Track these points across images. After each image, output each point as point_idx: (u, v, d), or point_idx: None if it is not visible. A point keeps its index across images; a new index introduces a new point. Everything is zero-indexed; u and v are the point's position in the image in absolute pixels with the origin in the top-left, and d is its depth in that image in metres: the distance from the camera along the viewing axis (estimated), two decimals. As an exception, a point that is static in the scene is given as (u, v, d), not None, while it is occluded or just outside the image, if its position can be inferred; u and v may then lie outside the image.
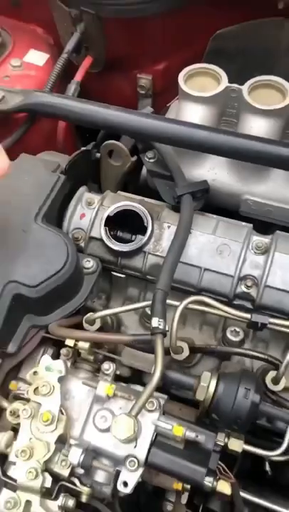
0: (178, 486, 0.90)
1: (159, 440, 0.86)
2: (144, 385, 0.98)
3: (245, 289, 0.99)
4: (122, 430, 0.77)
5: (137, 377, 1.10)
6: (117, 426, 0.77)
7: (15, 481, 0.82)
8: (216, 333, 1.09)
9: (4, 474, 0.84)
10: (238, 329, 1.04)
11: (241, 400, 0.82)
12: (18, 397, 0.94)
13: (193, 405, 1.04)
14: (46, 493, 0.82)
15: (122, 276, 1.11)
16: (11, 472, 0.81)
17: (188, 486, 0.91)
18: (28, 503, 0.80)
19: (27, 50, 1.27)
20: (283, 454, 0.92)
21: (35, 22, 1.33)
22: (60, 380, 0.87)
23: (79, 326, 1.00)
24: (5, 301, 0.90)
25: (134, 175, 1.26)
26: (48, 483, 0.80)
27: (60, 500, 0.80)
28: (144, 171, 1.23)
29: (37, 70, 1.25)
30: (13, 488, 0.82)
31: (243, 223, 1.06)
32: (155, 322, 0.86)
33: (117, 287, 1.15)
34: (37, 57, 1.27)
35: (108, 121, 1.02)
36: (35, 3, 1.25)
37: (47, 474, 0.80)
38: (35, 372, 0.88)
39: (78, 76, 1.19)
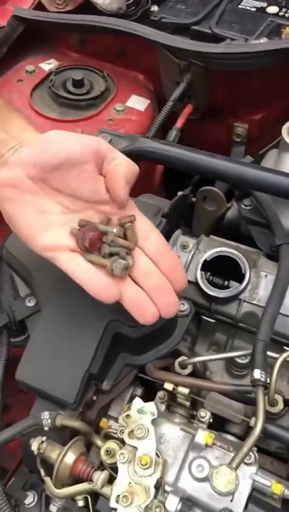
0: None
1: (256, 496, 0.84)
2: (225, 431, 0.97)
3: None
4: (223, 483, 0.76)
5: (217, 424, 1.08)
6: (218, 477, 0.76)
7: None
8: (306, 386, 1.07)
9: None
10: None
11: None
12: (109, 436, 0.94)
13: (279, 459, 1.02)
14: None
15: (212, 321, 1.11)
16: (112, 519, 0.81)
17: None
18: None
19: (129, 96, 1.33)
20: None
21: (137, 69, 1.39)
22: (153, 423, 0.87)
23: (168, 369, 1.00)
24: (106, 339, 0.92)
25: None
26: (155, 530, 0.79)
27: None
28: (229, 214, 1.25)
29: (138, 115, 1.31)
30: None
31: None
32: (257, 374, 0.85)
33: (205, 331, 1.15)
34: (138, 103, 1.32)
35: (213, 168, 1.05)
36: (140, 52, 1.31)
37: (151, 520, 0.80)
38: (127, 416, 0.88)
39: (179, 123, 1.23)
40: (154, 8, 1.43)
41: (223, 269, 1.09)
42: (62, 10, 1.37)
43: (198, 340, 1.17)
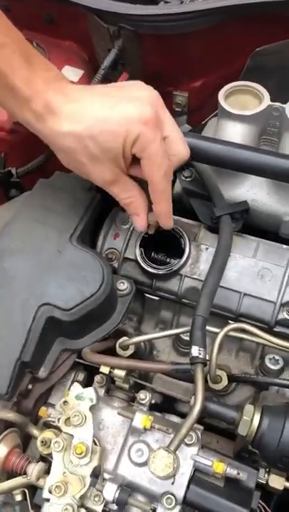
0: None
1: (198, 476, 0.81)
2: (176, 412, 0.94)
3: (287, 316, 0.95)
4: (161, 466, 0.72)
5: (168, 404, 1.05)
6: (156, 461, 0.73)
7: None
8: (254, 360, 1.04)
9: (38, 508, 0.80)
10: (277, 357, 0.99)
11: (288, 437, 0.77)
12: (48, 425, 0.90)
13: (228, 436, 0.99)
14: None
15: (156, 298, 1.07)
16: (46, 510, 0.77)
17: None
18: None
19: (62, 66, 1.26)
20: None
21: (70, 38, 1.31)
22: (92, 408, 0.83)
23: (111, 350, 0.96)
24: (38, 324, 0.87)
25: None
26: (90, 519, 0.76)
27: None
28: (177, 188, 1.20)
29: (71, 86, 1.23)
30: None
31: (285, 246, 1.02)
32: (195, 351, 0.81)
33: (150, 309, 1.11)
34: (72, 73, 1.25)
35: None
36: (70, 19, 1.23)
37: (83, 510, 0.76)
38: (65, 402, 0.84)
39: (114, 92, 1.16)
40: (86, -29, 1.34)
41: (165, 245, 1.05)
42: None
43: (144, 319, 1.13)
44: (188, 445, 0.81)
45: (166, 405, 1.04)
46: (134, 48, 1.15)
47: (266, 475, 0.85)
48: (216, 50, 1.19)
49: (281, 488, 0.85)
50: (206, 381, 0.90)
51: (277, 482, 0.85)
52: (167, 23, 1.06)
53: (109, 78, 1.20)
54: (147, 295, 1.07)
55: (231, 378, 0.92)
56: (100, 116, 0.78)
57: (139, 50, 1.15)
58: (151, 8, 1.07)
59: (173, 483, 0.79)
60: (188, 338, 0.98)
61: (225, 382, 0.91)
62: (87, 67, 1.29)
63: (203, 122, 1.25)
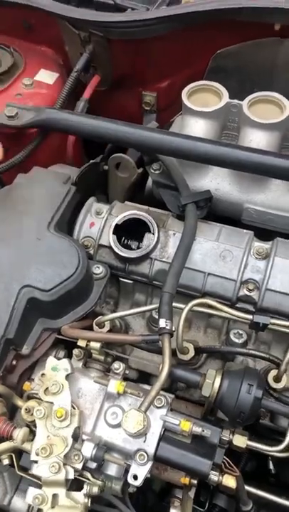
0: (185, 480, 0.94)
1: (167, 435, 0.90)
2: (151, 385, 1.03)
3: (247, 293, 1.04)
4: (133, 424, 0.82)
5: (144, 380, 1.14)
6: (128, 420, 0.82)
7: (39, 478, 0.86)
8: (220, 335, 1.14)
9: (24, 471, 0.89)
10: (241, 331, 1.09)
11: (245, 395, 0.86)
12: (32, 397, 0.98)
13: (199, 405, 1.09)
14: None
15: (130, 282, 1.16)
16: (35, 470, 0.86)
17: (196, 482, 0.95)
18: (55, 496, 0.84)
19: (38, 70, 1.35)
20: (286, 449, 0.96)
21: (45, 43, 1.40)
22: (68, 378, 0.91)
23: (89, 330, 1.05)
24: (20, 304, 0.95)
25: (140, 186, 1.32)
26: (71, 475, 0.84)
27: (85, 489, 0.85)
28: (149, 182, 1.29)
29: (47, 88, 1.32)
30: (39, 486, 0.86)
31: (245, 230, 1.12)
32: (162, 323, 0.91)
33: (125, 293, 1.20)
34: (47, 76, 1.34)
35: (116, 135, 1.08)
36: (45, 25, 1.32)
37: (68, 467, 0.85)
38: (42, 375, 0.92)
39: (86, 94, 1.26)
40: (57, -22, 1.43)
41: (137, 232, 1.14)
42: None
43: (120, 302, 1.22)
44: (158, 407, 0.90)
45: (142, 381, 1.13)
46: (104, 52, 1.24)
47: (231, 435, 0.95)
48: (180, 53, 1.30)
49: (244, 445, 0.94)
50: (174, 353, 1.00)
51: (240, 441, 0.94)
52: (134, 29, 1.16)
53: (81, 80, 1.29)
54: (122, 279, 1.16)
55: (198, 350, 1.02)
56: None
57: (109, 54, 1.25)
58: (119, 16, 1.17)
59: (145, 441, 0.88)
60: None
61: (192, 353, 1.00)
62: (61, 70, 1.39)
63: (171, 120, 1.35)
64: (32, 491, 0.86)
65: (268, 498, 0.95)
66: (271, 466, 1.21)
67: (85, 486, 0.86)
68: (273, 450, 0.95)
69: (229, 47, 1.26)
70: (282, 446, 0.95)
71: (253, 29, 1.23)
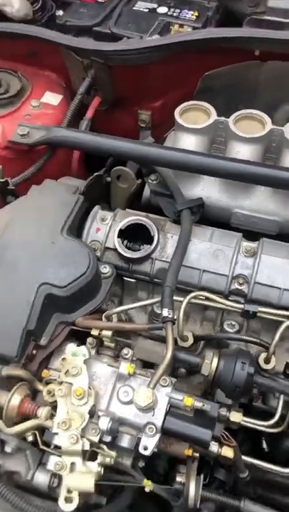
0: (189, 452, 1.06)
1: (172, 410, 1.03)
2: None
3: (238, 286, 1.18)
4: (143, 399, 0.95)
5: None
6: (138, 396, 0.95)
7: (59, 448, 0.98)
8: (215, 327, 1.27)
9: (47, 445, 1.01)
10: (233, 322, 1.23)
11: (239, 371, 1.00)
12: (50, 382, 1.11)
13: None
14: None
15: (133, 280, 1.29)
16: (55, 441, 0.98)
17: (198, 455, 1.08)
18: (73, 464, 0.97)
19: (43, 92, 1.49)
20: (277, 425, 1.10)
21: (49, 68, 1.55)
22: (86, 362, 1.04)
23: (99, 323, 1.18)
24: (39, 300, 1.08)
25: (139, 195, 1.46)
26: (87, 447, 0.96)
27: (99, 459, 0.97)
28: (145, 193, 1.43)
29: (53, 109, 1.46)
30: (59, 455, 0.98)
31: (234, 232, 1.26)
32: (165, 312, 1.04)
33: (128, 291, 1.33)
34: (52, 98, 1.48)
35: (118, 150, 1.23)
36: (49, 53, 1.47)
37: (85, 439, 0.97)
38: (63, 359, 1.05)
39: (89, 113, 1.41)
40: (60, 12, 1.59)
41: (138, 236, 1.28)
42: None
43: (124, 301, 1.35)
44: (163, 386, 1.03)
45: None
46: (105, 76, 1.39)
47: (228, 412, 1.08)
48: (171, 76, 1.45)
49: (239, 421, 1.07)
50: (176, 341, 1.13)
51: (236, 417, 1.08)
52: (131, 56, 1.31)
53: (84, 102, 1.44)
54: (126, 278, 1.30)
55: (196, 338, 1.15)
56: None
57: (109, 78, 1.40)
58: (117, 45, 1.32)
59: (153, 415, 1.01)
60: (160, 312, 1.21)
61: (191, 340, 1.14)
62: (64, 92, 1.53)
63: (164, 136, 1.50)
64: (53, 459, 0.98)
65: (262, 465, 1.08)
66: (265, 445, 1.34)
67: (99, 457, 0.99)
68: (266, 424, 1.09)
69: (215, 69, 1.42)
70: (273, 421, 1.09)
71: (237, 54, 1.39)
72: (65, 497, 0.96)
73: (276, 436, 1.15)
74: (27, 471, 1.09)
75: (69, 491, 0.96)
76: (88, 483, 0.95)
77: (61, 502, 0.95)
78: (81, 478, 0.96)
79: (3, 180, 1.26)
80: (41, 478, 1.08)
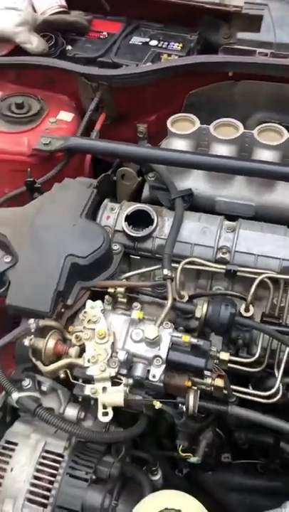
0: (188, 383, 1.34)
1: (174, 345, 1.31)
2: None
3: (222, 255, 1.47)
4: (151, 333, 1.24)
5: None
6: (148, 331, 1.24)
7: (89, 381, 1.26)
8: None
9: (76, 379, 1.29)
10: (220, 287, 1.53)
11: (223, 312, 1.29)
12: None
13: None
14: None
15: (138, 257, 1.59)
16: (88, 372, 1.24)
17: (196, 387, 1.36)
18: (104, 388, 1.24)
19: (58, 111, 1.81)
20: (258, 364, 1.38)
21: (62, 92, 1.89)
22: (103, 312, 1.33)
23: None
24: (66, 268, 1.37)
25: (139, 191, 1.77)
26: (113, 373, 1.24)
27: (123, 383, 1.24)
28: (145, 190, 1.75)
29: (67, 125, 1.78)
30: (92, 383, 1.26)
31: (217, 215, 1.57)
32: (166, 271, 1.34)
33: (134, 267, 1.62)
34: (66, 116, 1.81)
35: (123, 152, 1.55)
36: (65, 80, 1.81)
37: (111, 368, 1.25)
38: (84, 312, 1.33)
39: (97, 126, 1.74)
40: (69, 47, 1.95)
41: (140, 223, 1.58)
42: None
43: (131, 277, 1.65)
44: (166, 328, 1.32)
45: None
46: (109, 96, 1.73)
47: (218, 353, 1.36)
48: (163, 95, 1.80)
49: (227, 359, 1.36)
50: (174, 299, 1.43)
51: (224, 355, 1.36)
52: (131, 79, 1.64)
53: (92, 118, 1.78)
54: (132, 256, 1.60)
55: (191, 296, 1.45)
56: None
57: (112, 98, 1.74)
58: (119, 70, 1.66)
59: (159, 349, 1.29)
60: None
61: (186, 298, 1.43)
62: (75, 111, 1.87)
63: (159, 144, 1.83)
64: (88, 386, 1.26)
65: (246, 391, 1.36)
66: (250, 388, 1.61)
67: (123, 380, 1.27)
68: (246, 362, 1.37)
69: (198, 88, 1.76)
70: (253, 359, 1.38)
71: (215, 75, 1.74)
72: (102, 412, 1.23)
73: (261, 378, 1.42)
74: (59, 407, 1.37)
75: (104, 407, 1.24)
76: (119, 399, 1.23)
77: (100, 415, 1.23)
78: (113, 396, 1.23)
79: (31, 179, 1.57)
80: (71, 412, 1.36)
